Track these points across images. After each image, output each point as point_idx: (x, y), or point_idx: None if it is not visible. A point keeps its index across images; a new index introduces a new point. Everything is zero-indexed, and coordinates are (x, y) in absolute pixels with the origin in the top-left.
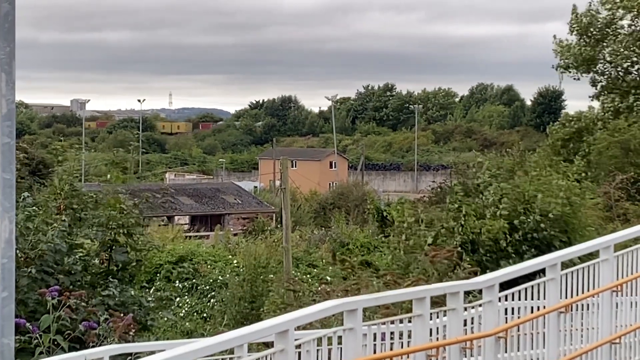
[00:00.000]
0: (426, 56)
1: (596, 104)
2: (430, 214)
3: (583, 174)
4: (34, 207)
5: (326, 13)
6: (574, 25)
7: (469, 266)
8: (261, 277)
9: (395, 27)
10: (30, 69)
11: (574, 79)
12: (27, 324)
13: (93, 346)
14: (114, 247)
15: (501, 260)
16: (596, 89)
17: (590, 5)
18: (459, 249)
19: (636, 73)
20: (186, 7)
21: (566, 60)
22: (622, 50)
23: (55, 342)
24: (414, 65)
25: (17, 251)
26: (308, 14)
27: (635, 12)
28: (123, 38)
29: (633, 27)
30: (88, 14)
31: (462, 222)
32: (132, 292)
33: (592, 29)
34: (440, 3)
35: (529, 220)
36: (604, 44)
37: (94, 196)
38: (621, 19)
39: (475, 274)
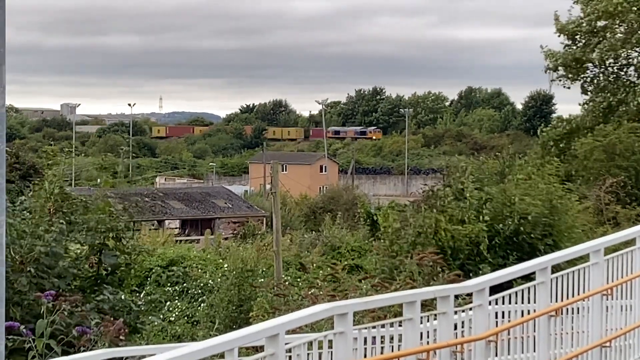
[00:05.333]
0: (427, 60)
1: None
2: (419, 220)
3: (562, 175)
4: (26, 211)
5: (336, 17)
6: (561, 33)
7: (448, 270)
8: (249, 280)
9: (402, 31)
10: (28, 74)
11: (565, 87)
12: (22, 327)
13: (84, 350)
14: (103, 251)
15: (481, 264)
16: (587, 94)
17: (570, 12)
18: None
19: (625, 77)
20: (197, 10)
21: (555, 62)
22: (609, 52)
23: (49, 346)
24: (414, 69)
25: (13, 254)
26: (318, 18)
27: (618, 17)
28: (128, 42)
29: (619, 31)
30: (98, 18)
31: (435, 229)
32: (122, 296)
33: (577, 36)
34: (451, 7)
35: (509, 223)
36: (591, 46)
37: (84, 200)
38: (604, 28)
39: (459, 277)
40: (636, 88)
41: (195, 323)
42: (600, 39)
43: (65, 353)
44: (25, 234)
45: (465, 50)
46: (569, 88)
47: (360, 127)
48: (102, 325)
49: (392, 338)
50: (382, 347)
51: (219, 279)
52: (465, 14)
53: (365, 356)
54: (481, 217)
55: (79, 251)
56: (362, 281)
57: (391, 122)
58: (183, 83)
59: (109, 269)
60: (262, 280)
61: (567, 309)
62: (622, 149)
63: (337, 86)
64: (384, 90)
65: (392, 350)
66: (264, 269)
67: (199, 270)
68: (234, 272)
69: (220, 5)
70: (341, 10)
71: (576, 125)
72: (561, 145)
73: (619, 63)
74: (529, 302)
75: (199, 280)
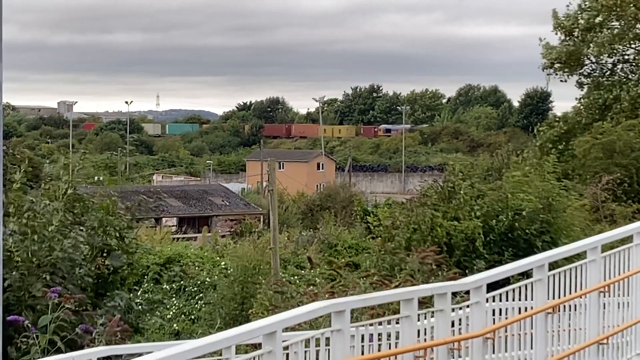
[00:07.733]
0: (430, 57)
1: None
2: (413, 218)
3: (560, 173)
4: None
5: (341, 14)
6: (558, 29)
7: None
8: (251, 278)
9: (408, 29)
10: (31, 71)
11: (561, 80)
12: (26, 322)
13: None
14: (107, 252)
15: (476, 260)
16: (583, 90)
17: (568, 8)
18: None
19: (622, 74)
20: (204, 9)
21: (551, 58)
22: (604, 48)
23: (53, 343)
24: (417, 67)
25: (31, 256)
26: (324, 16)
27: (615, 12)
28: (132, 40)
29: (615, 27)
30: (104, 16)
31: (431, 226)
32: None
33: (575, 32)
34: (458, 5)
35: (502, 219)
36: (587, 41)
37: (94, 200)
38: (602, 23)
39: (458, 274)
40: (629, 83)
41: (194, 320)
42: (598, 33)
43: (68, 352)
44: (44, 237)
45: (468, 48)
46: (565, 81)
47: (410, 125)
48: (107, 325)
49: (389, 335)
50: (379, 345)
51: (216, 277)
52: (471, 12)
53: (362, 353)
54: (473, 214)
55: (85, 251)
56: (362, 279)
57: (389, 120)
58: (185, 81)
59: (112, 268)
60: (261, 278)
61: (565, 306)
62: (621, 146)
63: (340, 84)
64: (381, 88)
65: (390, 348)
66: (262, 267)
67: (196, 268)
68: (236, 270)
69: (228, 3)
70: (348, 8)
71: (573, 124)
72: (560, 146)
73: (614, 59)
74: (526, 300)
75: (195, 278)
